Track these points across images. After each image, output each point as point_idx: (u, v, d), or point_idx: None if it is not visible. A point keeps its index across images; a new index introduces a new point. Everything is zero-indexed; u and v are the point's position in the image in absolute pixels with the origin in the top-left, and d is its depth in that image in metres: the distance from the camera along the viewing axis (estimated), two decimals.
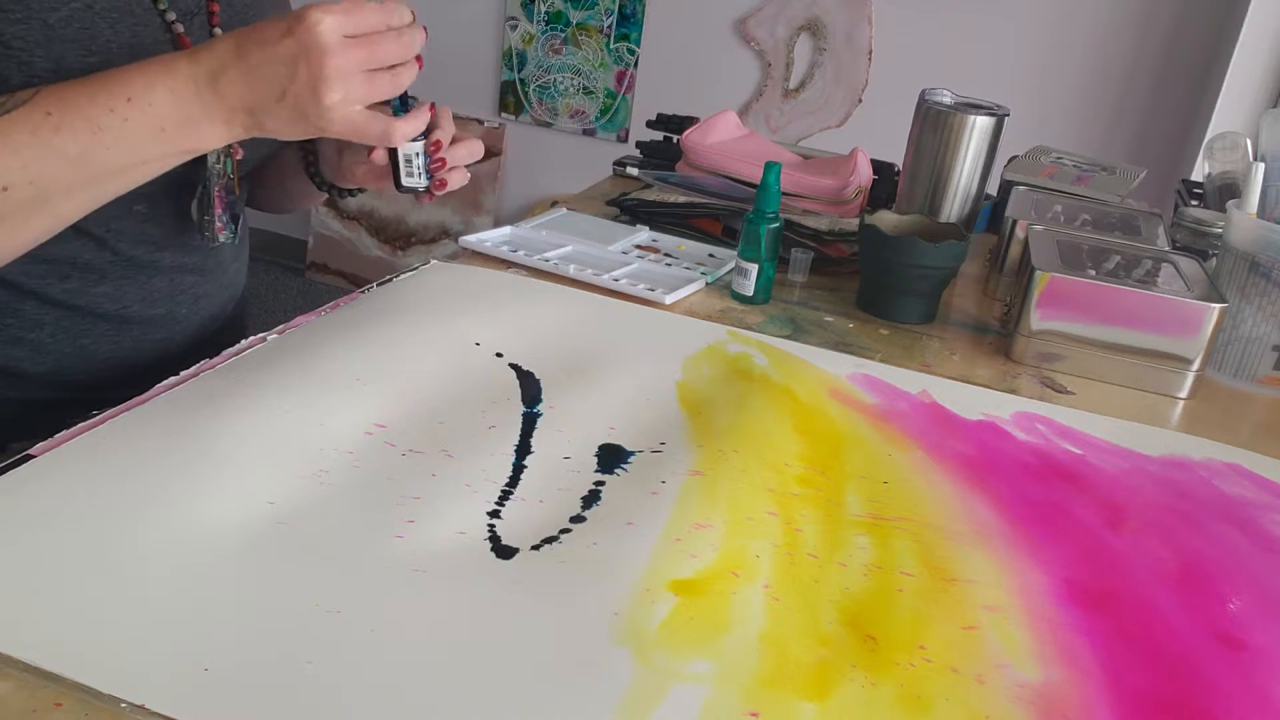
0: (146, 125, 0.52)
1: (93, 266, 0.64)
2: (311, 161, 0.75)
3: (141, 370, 0.65)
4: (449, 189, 0.66)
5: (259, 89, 0.52)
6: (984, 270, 0.99)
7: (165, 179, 0.59)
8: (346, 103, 0.53)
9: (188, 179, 0.65)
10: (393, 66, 0.55)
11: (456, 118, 2.46)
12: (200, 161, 0.63)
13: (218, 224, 0.66)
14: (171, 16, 0.62)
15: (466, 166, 0.67)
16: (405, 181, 0.64)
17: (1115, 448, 0.65)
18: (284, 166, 0.78)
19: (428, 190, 0.65)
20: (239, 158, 0.66)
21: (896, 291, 0.82)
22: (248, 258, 0.80)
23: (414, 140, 0.63)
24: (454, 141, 0.66)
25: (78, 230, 0.62)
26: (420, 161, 0.64)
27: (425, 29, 0.57)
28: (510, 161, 2.53)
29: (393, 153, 0.64)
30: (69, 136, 0.50)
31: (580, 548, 0.47)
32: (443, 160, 0.64)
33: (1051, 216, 0.93)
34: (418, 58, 0.57)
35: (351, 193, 0.76)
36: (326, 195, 0.77)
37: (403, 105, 0.61)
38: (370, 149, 0.66)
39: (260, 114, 0.53)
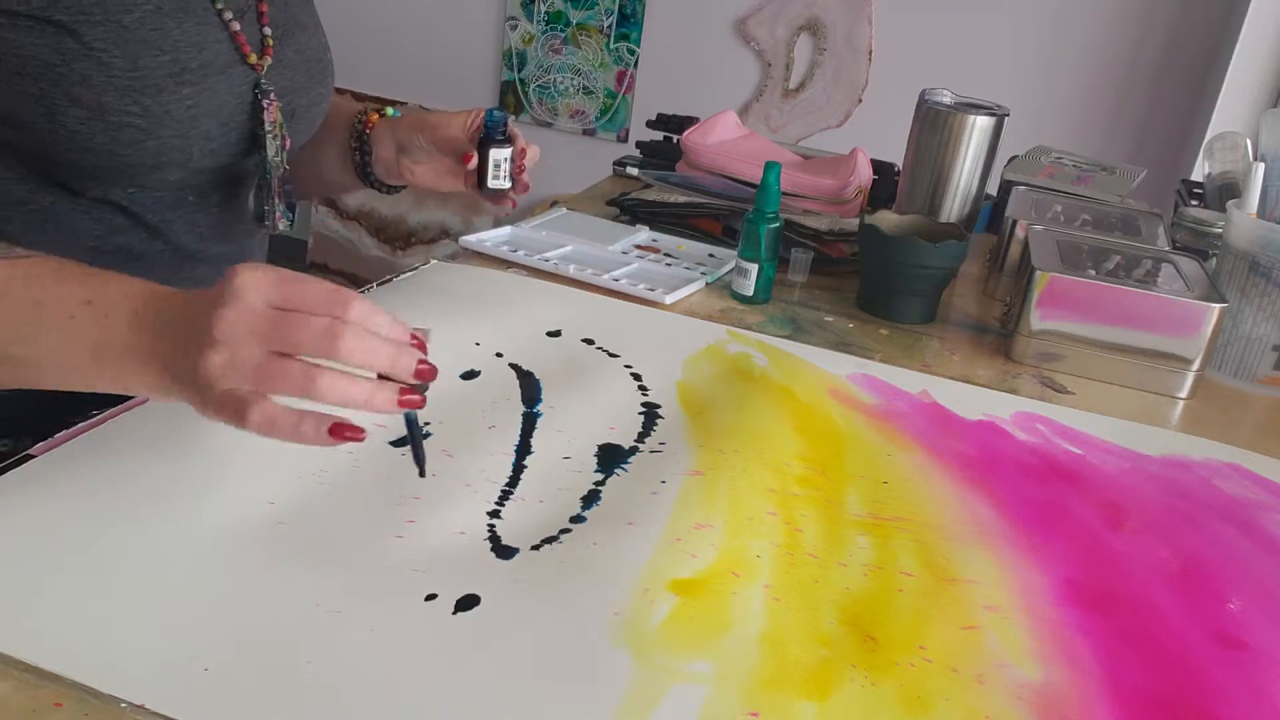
0: (91, 337, 0.44)
1: (145, 256, 0.66)
2: (363, 162, 0.78)
3: None
4: (527, 192, 0.74)
5: (178, 343, 0.42)
6: (984, 270, 0.99)
7: (213, 168, 0.65)
8: (227, 374, 0.40)
9: (232, 170, 0.68)
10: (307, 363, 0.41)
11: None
12: (256, 152, 0.67)
13: (277, 213, 0.70)
14: (229, 15, 0.64)
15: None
16: (491, 183, 0.72)
17: (1115, 448, 0.65)
18: (324, 159, 0.80)
19: (507, 192, 0.73)
20: (288, 146, 0.69)
21: (896, 291, 0.82)
22: (267, 248, 0.82)
23: (504, 147, 0.72)
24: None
25: (135, 219, 0.64)
26: (507, 166, 0.72)
27: (423, 345, 0.44)
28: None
29: (482, 157, 0.71)
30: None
31: (580, 548, 0.47)
32: (523, 165, 0.73)
33: (1051, 216, 0.93)
34: (412, 389, 0.43)
35: (398, 189, 0.80)
36: (366, 187, 0.80)
37: (497, 133, 0.71)
38: (465, 156, 0.73)
39: (171, 377, 0.43)
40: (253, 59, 0.66)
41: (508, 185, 0.73)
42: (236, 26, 0.65)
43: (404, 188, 0.80)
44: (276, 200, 0.69)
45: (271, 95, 0.66)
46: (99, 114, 0.57)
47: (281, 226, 0.71)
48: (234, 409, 0.41)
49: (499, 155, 0.71)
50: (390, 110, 0.78)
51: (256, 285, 0.41)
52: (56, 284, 0.45)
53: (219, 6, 0.64)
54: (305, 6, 0.75)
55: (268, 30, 0.68)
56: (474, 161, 0.72)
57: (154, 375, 0.43)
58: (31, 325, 0.44)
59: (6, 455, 0.48)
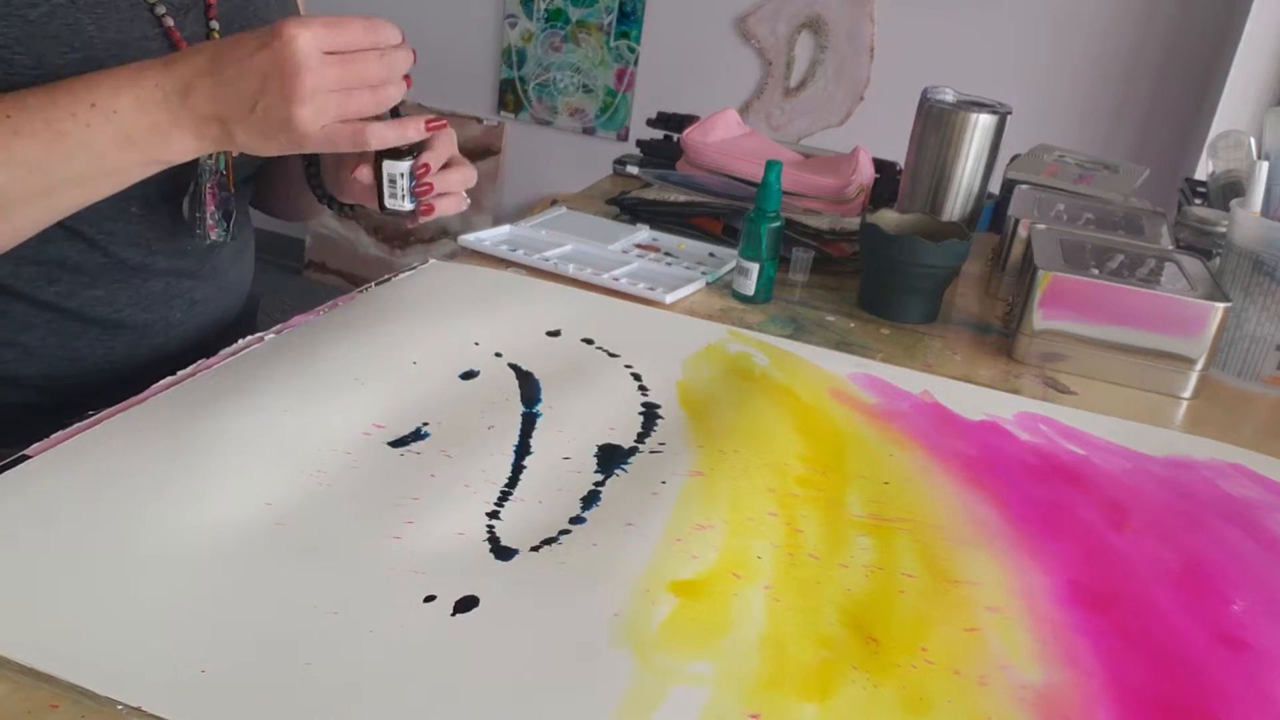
0: (110, 133, 0.51)
1: (84, 268, 0.62)
2: (314, 173, 0.73)
3: (135, 376, 0.63)
4: (438, 215, 0.63)
5: (230, 101, 0.51)
6: (986, 269, 0.98)
7: (161, 179, 0.58)
8: (319, 119, 0.51)
9: (185, 179, 0.63)
10: (375, 86, 0.53)
11: (456, 116, 2.44)
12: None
13: (209, 221, 0.64)
14: (161, 10, 0.60)
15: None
16: (388, 203, 0.61)
17: (1118, 448, 0.65)
18: (290, 176, 0.77)
19: (413, 214, 0.62)
20: (235, 155, 0.65)
21: (898, 291, 0.82)
22: (253, 261, 0.78)
23: (401, 160, 0.60)
24: (448, 165, 0.63)
25: (69, 231, 0.60)
26: (405, 183, 0.61)
27: (415, 51, 0.56)
28: (510, 160, 2.52)
29: (378, 172, 0.61)
30: (28, 141, 0.49)
31: (580, 548, 0.47)
32: (430, 185, 0.61)
33: (1054, 215, 0.93)
34: (406, 77, 0.55)
35: (351, 208, 0.73)
36: (324, 205, 0.75)
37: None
38: (354, 165, 0.63)
39: (232, 125, 0.52)
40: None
41: (409, 206, 0.62)
42: (171, 22, 0.60)
43: (360, 206, 0.70)
44: (209, 208, 0.63)
45: None
46: None
47: (214, 236, 0.64)
48: (349, 137, 0.53)
49: (393, 169, 0.60)
50: None
51: (308, 43, 0.50)
52: (49, 104, 0.50)
53: (151, 1, 0.60)
54: (274, 4, 0.71)
55: (215, 25, 0.64)
56: (364, 174, 0.62)
57: (195, 138, 0.52)
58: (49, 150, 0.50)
59: (3, 456, 0.48)
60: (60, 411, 0.54)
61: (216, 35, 0.64)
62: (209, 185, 0.63)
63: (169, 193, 0.64)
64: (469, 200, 0.66)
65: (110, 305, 0.65)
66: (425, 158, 0.61)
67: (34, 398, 0.65)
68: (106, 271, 0.64)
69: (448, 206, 0.64)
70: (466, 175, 0.65)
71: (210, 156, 0.64)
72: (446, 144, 0.63)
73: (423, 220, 0.63)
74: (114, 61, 0.56)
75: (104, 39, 0.57)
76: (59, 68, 0.55)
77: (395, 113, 0.58)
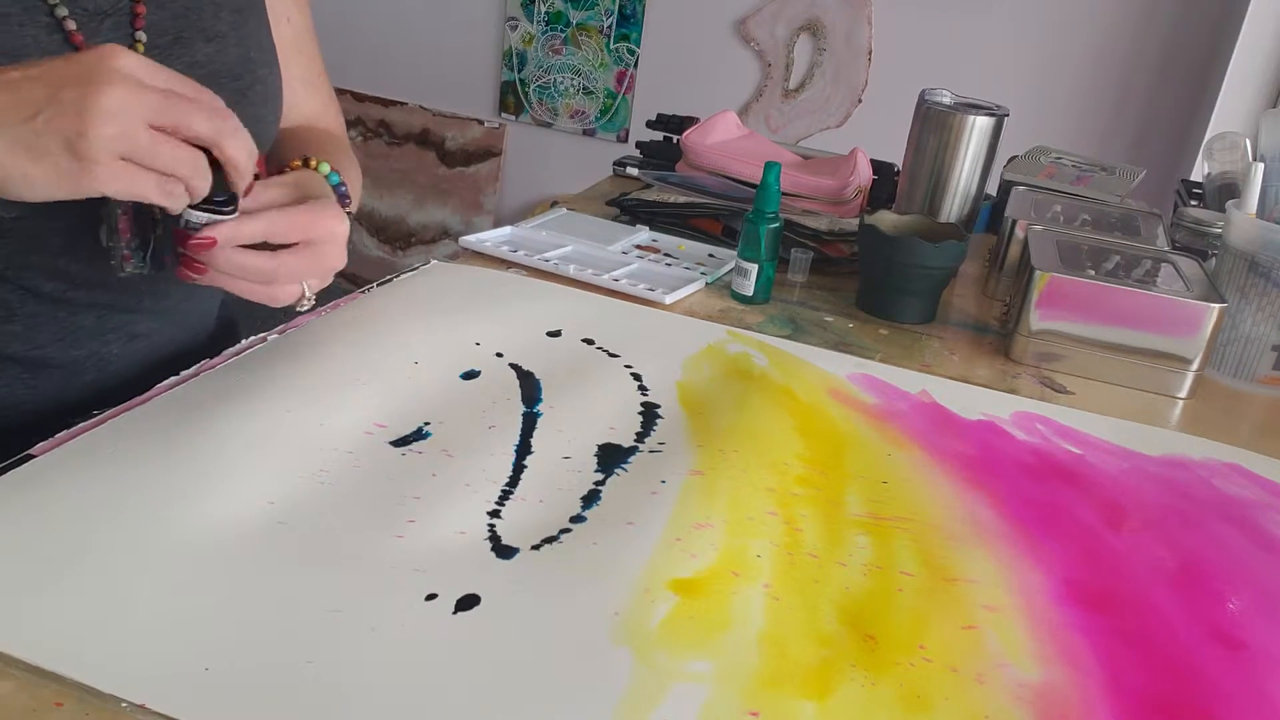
0: None
1: (3, 304, 0.55)
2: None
3: (69, 413, 0.54)
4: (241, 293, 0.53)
5: (5, 104, 0.41)
6: (983, 270, 0.99)
7: (82, 206, 0.48)
8: (116, 144, 0.41)
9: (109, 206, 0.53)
10: (198, 140, 0.44)
11: (457, 118, 2.42)
12: None
13: (124, 252, 0.53)
14: (63, 13, 0.52)
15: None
16: (127, 266, 0.52)
17: (1115, 447, 0.65)
18: None
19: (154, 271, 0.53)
20: None
21: (896, 291, 0.83)
22: (210, 290, 0.60)
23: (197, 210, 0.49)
24: (294, 246, 0.53)
25: None
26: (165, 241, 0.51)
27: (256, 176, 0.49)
28: (510, 162, 2.53)
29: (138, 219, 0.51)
30: None
31: (580, 547, 0.47)
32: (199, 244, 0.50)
33: (1051, 216, 0.93)
34: (255, 177, 0.47)
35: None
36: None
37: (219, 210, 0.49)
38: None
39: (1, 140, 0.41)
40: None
41: (145, 269, 0.52)
42: (73, 25, 0.53)
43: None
44: (124, 237, 0.52)
45: None
46: None
47: (129, 269, 0.53)
48: (155, 186, 0.43)
49: (190, 215, 0.49)
50: (323, 166, 0.61)
51: (137, 63, 0.42)
52: None
53: (51, 3, 0.52)
54: (227, 17, 0.63)
55: (141, 35, 0.57)
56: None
57: None
58: None
59: (5, 455, 0.48)
60: (97, 401, 0.51)
61: (141, 48, 0.57)
62: (120, 213, 0.52)
63: (92, 221, 0.54)
64: (309, 299, 0.56)
65: (30, 342, 0.58)
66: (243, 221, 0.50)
67: None
68: (24, 305, 0.57)
69: (258, 291, 0.53)
70: (311, 265, 0.54)
71: None
72: (289, 221, 0.52)
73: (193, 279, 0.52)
74: None
75: None
76: None
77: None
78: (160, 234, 0.53)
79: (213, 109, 0.45)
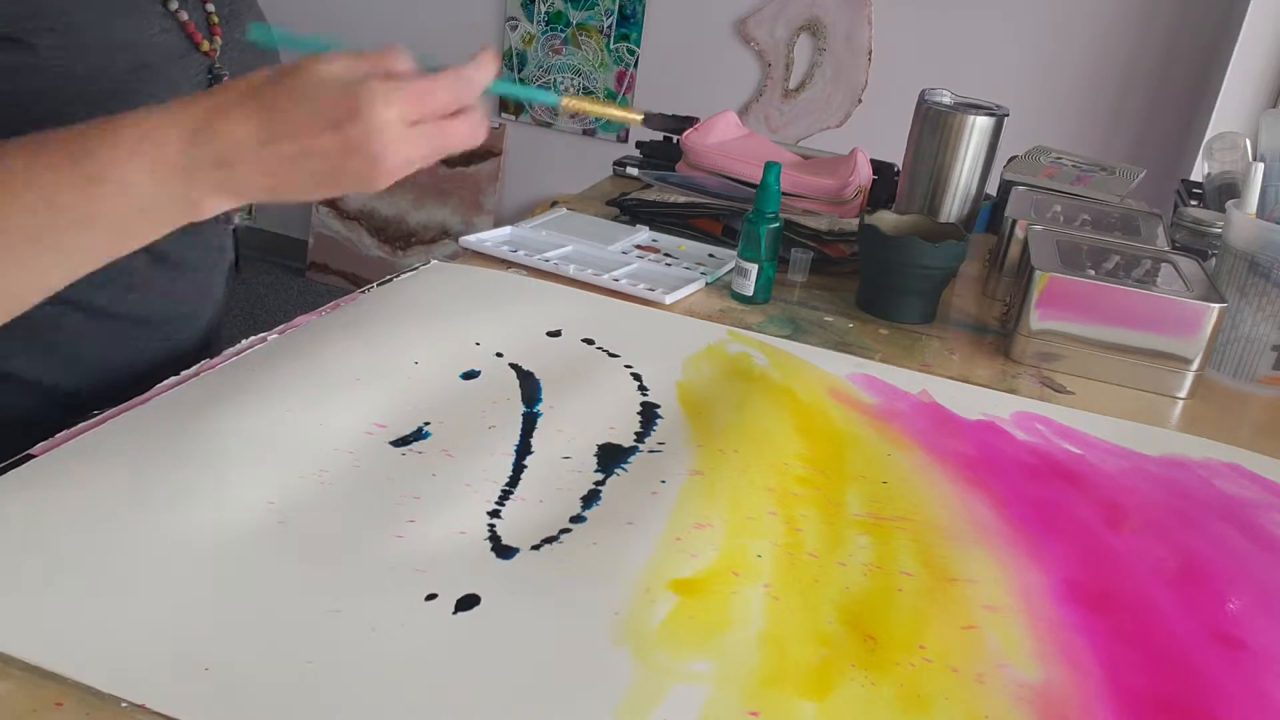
0: (121, 208, 0.44)
1: (124, 266, 0.59)
2: None
3: (152, 375, 0.60)
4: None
5: (291, 176, 0.45)
6: (983, 270, 0.99)
7: None
8: (401, 176, 0.47)
9: None
10: (458, 143, 0.49)
11: None
12: None
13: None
14: (174, 5, 0.61)
15: None
16: None
17: (1115, 447, 0.65)
18: None
19: None
20: None
21: (896, 291, 0.83)
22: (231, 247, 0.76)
23: None
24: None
25: None
26: None
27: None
28: (510, 161, 2.53)
29: None
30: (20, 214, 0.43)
31: (580, 548, 0.47)
32: None
33: (1051, 216, 0.93)
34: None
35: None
36: None
37: None
38: None
39: (288, 193, 0.46)
40: (205, 45, 0.63)
41: None
42: (185, 16, 0.62)
43: None
44: None
45: (225, 78, 0.63)
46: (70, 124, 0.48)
47: (236, 220, 0.67)
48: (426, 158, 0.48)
49: None
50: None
51: (396, 121, 0.45)
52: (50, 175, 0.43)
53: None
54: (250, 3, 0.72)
55: (211, 8, 0.65)
56: None
57: (233, 199, 0.46)
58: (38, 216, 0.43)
59: (6, 455, 0.48)
60: (97, 401, 0.53)
61: (215, 20, 0.65)
62: None
63: None
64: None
65: (147, 306, 0.65)
66: None
67: (61, 402, 0.63)
68: (142, 267, 0.63)
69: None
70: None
71: None
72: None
73: None
74: (153, 58, 0.58)
75: (143, 41, 0.58)
76: (111, 73, 0.55)
77: None
78: None
79: (468, 119, 0.48)
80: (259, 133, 0.44)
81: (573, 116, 0.54)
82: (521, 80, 2.44)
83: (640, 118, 0.52)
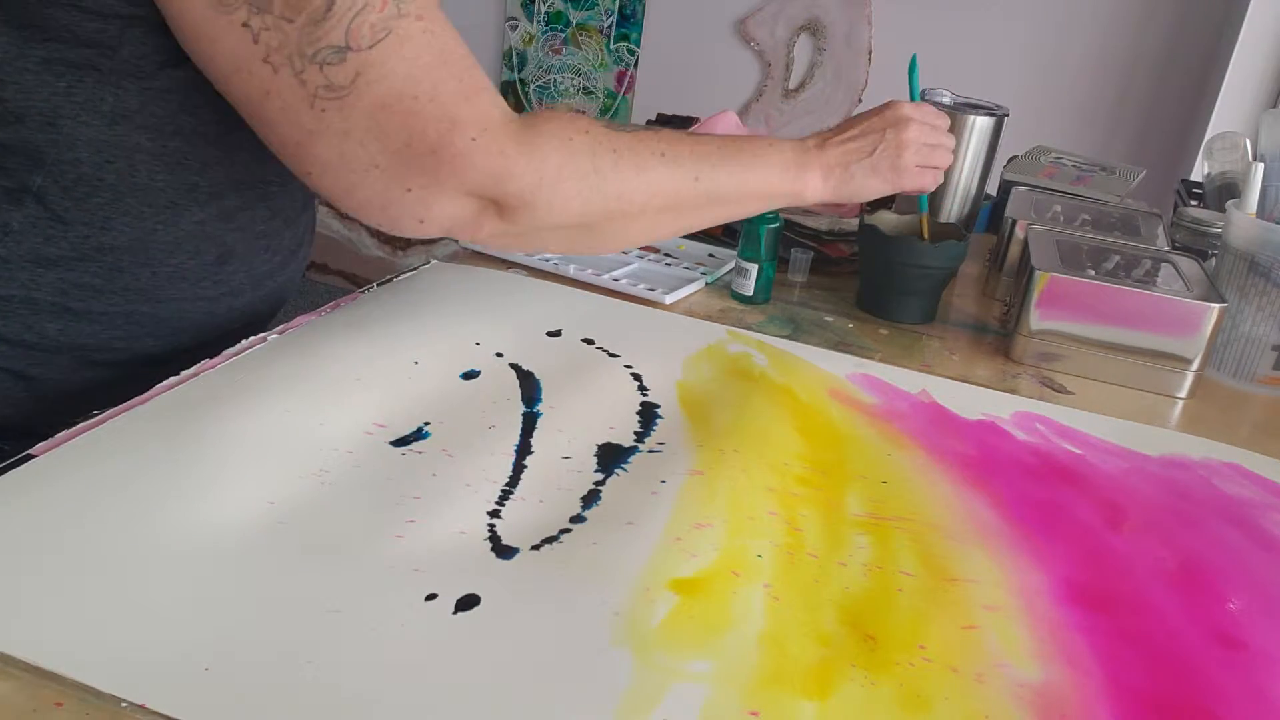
0: (778, 162, 0.67)
1: (278, 207, 0.66)
2: None
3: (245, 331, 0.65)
4: None
5: (855, 152, 0.71)
6: (983, 270, 0.99)
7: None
8: (916, 158, 0.72)
9: None
10: (947, 154, 0.76)
11: None
12: None
13: None
14: None
15: None
16: None
17: (1115, 447, 0.65)
18: None
19: None
20: None
21: (896, 291, 0.83)
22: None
23: None
24: None
25: (280, 186, 0.64)
26: None
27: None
28: None
29: None
30: (730, 165, 0.65)
31: (580, 547, 0.47)
32: None
33: (1051, 216, 0.93)
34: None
35: None
36: None
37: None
38: None
39: (853, 169, 0.70)
40: None
41: None
42: None
43: None
44: None
45: None
46: None
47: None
48: (931, 179, 0.76)
49: None
50: None
51: (914, 111, 0.73)
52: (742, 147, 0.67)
53: None
54: None
55: None
56: None
57: (822, 179, 0.71)
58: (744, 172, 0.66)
59: (6, 455, 0.48)
60: (97, 401, 0.54)
61: None
62: None
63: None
64: None
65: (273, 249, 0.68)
66: None
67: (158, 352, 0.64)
68: (290, 216, 0.68)
69: None
70: None
71: None
72: None
73: None
74: None
75: None
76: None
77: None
78: None
79: (949, 140, 0.77)
80: (837, 129, 0.72)
81: None
82: (522, 81, 2.44)
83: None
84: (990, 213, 1.12)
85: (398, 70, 0.50)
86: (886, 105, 0.73)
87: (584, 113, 0.60)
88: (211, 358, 0.60)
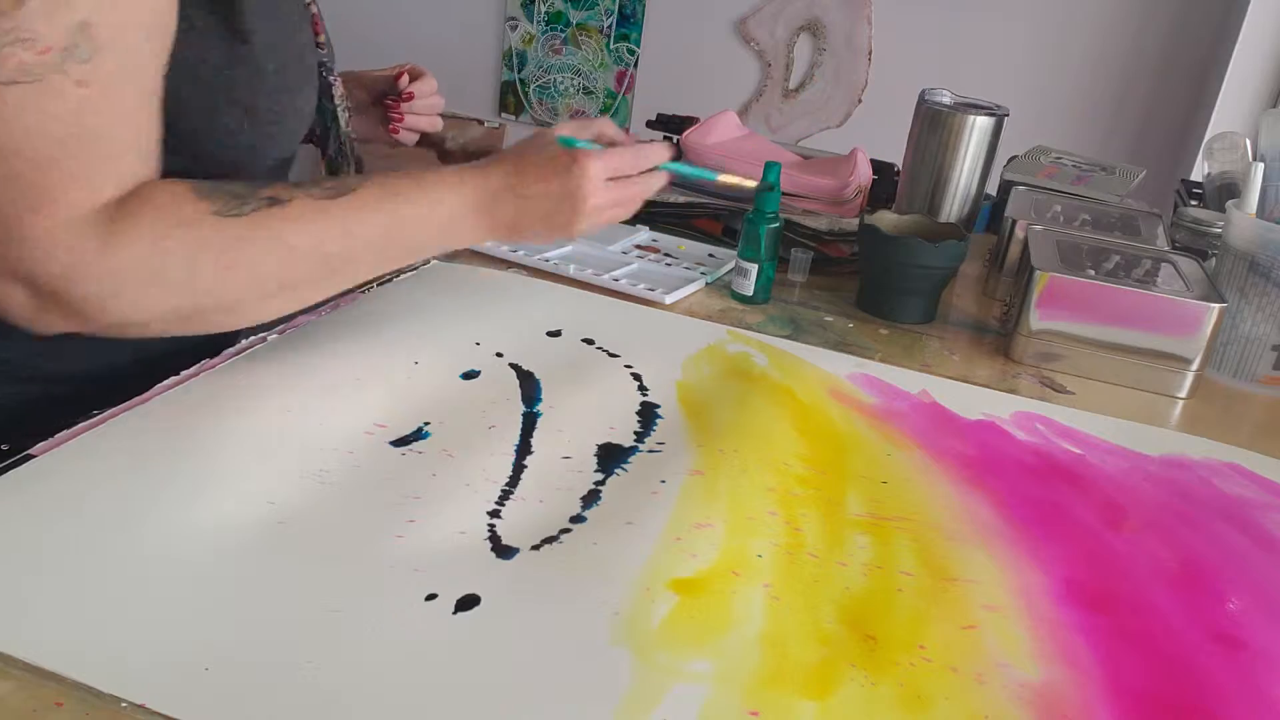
0: (435, 221, 0.59)
1: None
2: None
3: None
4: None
5: (527, 214, 0.61)
6: (983, 270, 0.99)
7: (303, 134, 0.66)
8: (590, 228, 0.64)
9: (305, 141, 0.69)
10: (632, 203, 0.67)
11: (456, 118, 2.49)
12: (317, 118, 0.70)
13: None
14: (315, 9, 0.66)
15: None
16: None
17: (1115, 447, 0.65)
18: None
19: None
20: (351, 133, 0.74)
21: (896, 291, 0.83)
22: None
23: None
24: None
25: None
26: None
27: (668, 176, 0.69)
28: None
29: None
30: (371, 219, 0.57)
31: (580, 547, 0.47)
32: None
33: (1051, 216, 0.93)
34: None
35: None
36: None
37: None
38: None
39: (522, 230, 0.62)
40: (321, 38, 0.68)
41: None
42: (315, 8, 0.67)
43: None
44: (352, 165, 0.73)
45: (335, 72, 0.70)
46: (252, 115, 0.58)
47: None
48: (606, 220, 0.65)
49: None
50: None
51: (597, 176, 0.62)
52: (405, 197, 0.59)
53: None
54: None
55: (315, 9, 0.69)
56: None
57: (487, 234, 0.62)
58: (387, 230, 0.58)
59: (6, 455, 0.48)
60: (97, 401, 0.54)
61: (319, 18, 0.69)
62: (349, 143, 0.73)
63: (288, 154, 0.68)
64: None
65: None
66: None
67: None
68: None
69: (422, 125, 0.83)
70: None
71: (346, 123, 0.72)
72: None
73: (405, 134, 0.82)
74: (310, 59, 0.64)
75: (305, 39, 0.63)
76: (291, 72, 0.60)
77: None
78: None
79: (646, 181, 0.67)
80: (516, 175, 0.61)
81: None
82: (522, 81, 2.44)
83: (753, 185, 0.74)
84: (990, 213, 1.12)
85: (20, 121, 0.44)
86: (574, 161, 0.61)
87: (205, 191, 0.51)
88: (212, 357, 0.60)
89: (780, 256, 0.84)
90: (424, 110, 0.82)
